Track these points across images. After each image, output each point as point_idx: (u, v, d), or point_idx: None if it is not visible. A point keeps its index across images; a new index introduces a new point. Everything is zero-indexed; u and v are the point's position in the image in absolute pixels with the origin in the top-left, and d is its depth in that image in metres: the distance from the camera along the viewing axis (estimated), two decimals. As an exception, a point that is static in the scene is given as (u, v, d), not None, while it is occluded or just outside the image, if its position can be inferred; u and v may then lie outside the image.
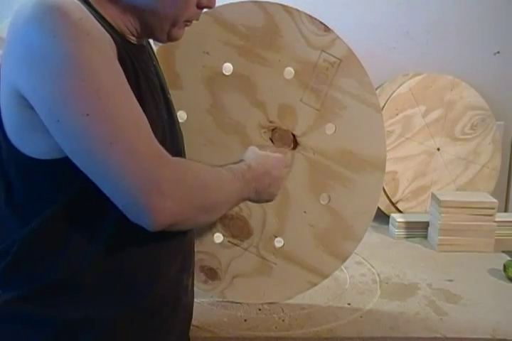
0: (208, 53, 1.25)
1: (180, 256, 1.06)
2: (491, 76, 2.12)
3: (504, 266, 1.59)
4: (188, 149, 1.12)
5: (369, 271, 1.62)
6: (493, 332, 1.30)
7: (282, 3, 1.26)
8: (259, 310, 1.37)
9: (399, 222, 1.89)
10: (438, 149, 2.03)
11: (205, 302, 1.39)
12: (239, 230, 1.35)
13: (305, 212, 1.33)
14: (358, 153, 1.31)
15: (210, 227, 1.34)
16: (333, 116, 1.29)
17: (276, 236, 1.35)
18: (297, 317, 1.35)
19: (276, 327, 1.30)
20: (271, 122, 1.29)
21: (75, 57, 0.82)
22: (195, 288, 1.16)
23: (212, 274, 1.37)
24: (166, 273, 1.02)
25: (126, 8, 0.96)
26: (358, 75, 1.28)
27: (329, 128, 1.30)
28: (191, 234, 1.12)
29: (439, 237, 1.78)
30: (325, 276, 1.38)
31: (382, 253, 1.75)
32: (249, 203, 1.30)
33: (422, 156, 2.02)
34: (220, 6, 1.21)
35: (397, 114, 1.99)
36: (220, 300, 1.40)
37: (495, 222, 1.79)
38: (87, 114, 0.82)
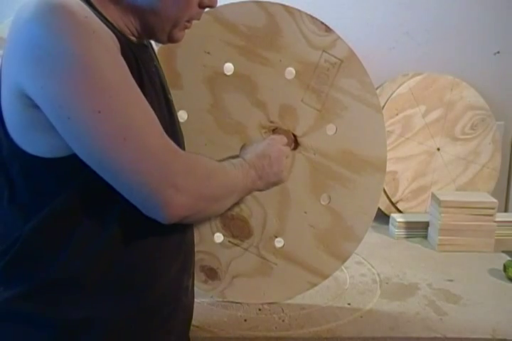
0: (209, 53, 1.25)
1: (181, 256, 1.06)
2: (491, 76, 2.12)
3: (504, 266, 1.59)
4: (188, 149, 1.12)
5: (369, 271, 1.62)
6: (493, 332, 1.30)
7: (283, 3, 1.26)
8: (259, 310, 1.37)
9: (399, 222, 1.89)
10: (438, 149, 2.03)
11: (205, 302, 1.39)
12: (239, 230, 1.35)
13: (305, 212, 1.33)
14: (359, 154, 1.31)
15: (211, 227, 1.34)
16: (334, 116, 1.29)
17: (276, 237, 1.35)
18: (297, 317, 1.35)
19: (276, 327, 1.30)
20: (272, 122, 1.29)
21: (83, 55, 0.82)
22: (195, 288, 1.16)
23: (212, 274, 1.37)
24: (166, 273, 1.02)
25: (128, 9, 0.96)
26: (359, 76, 1.27)
27: (330, 129, 1.30)
28: (191, 235, 1.13)
29: (439, 237, 1.78)
30: (325, 277, 1.38)
31: (382, 253, 1.75)
32: (250, 203, 1.32)
33: (422, 156, 2.02)
34: (221, 6, 1.21)
35: (397, 114, 1.99)
36: (220, 300, 1.40)
37: (495, 222, 1.79)
38: (99, 111, 0.82)
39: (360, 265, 1.66)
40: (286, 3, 1.25)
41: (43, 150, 0.88)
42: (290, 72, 1.27)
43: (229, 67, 1.26)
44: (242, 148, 1.23)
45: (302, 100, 1.28)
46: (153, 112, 0.90)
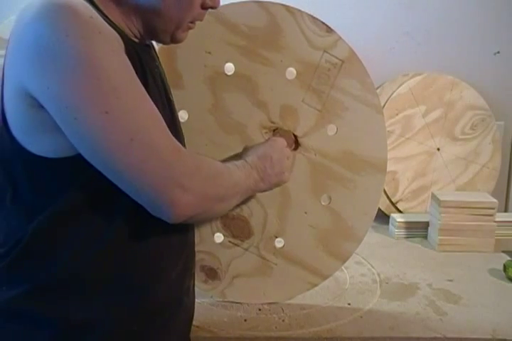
0: (209, 53, 1.25)
1: (183, 257, 1.06)
2: (491, 76, 2.12)
3: (504, 266, 1.59)
4: (189, 149, 1.12)
5: (369, 271, 1.62)
6: (493, 332, 1.30)
7: (283, 3, 1.26)
8: (259, 310, 1.37)
9: (399, 222, 1.89)
10: (438, 149, 2.03)
11: (205, 302, 1.39)
12: (239, 230, 1.35)
13: (306, 212, 1.33)
14: (359, 154, 1.31)
15: (211, 227, 1.34)
16: (335, 117, 1.29)
17: (276, 237, 1.35)
18: (297, 317, 1.35)
19: (276, 327, 1.30)
20: (272, 122, 1.29)
21: (90, 55, 0.82)
22: (195, 288, 1.16)
23: (212, 274, 1.37)
24: (169, 274, 1.02)
25: (130, 10, 0.96)
26: (359, 76, 1.27)
27: (331, 129, 1.30)
28: (193, 235, 1.13)
29: (439, 237, 1.78)
30: (325, 277, 1.38)
31: (382, 253, 1.75)
32: (250, 203, 1.32)
33: (422, 156, 2.02)
34: (222, 6, 1.20)
35: (397, 114, 1.99)
36: (220, 300, 1.40)
37: (495, 222, 1.79)
38: (106, 112, 0.82)
39: (360, 265, 1.66)
40: (287, 3, 1.25)
41: (47, 151, 0.88)
42: (291, 72, 1.27)
43: (230, 67, 1.26)
44: (244, 150, 1.23)
45: (303, 100, 1.28)
46: (158, 112, 0.90)
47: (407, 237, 1.89)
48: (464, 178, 2.05)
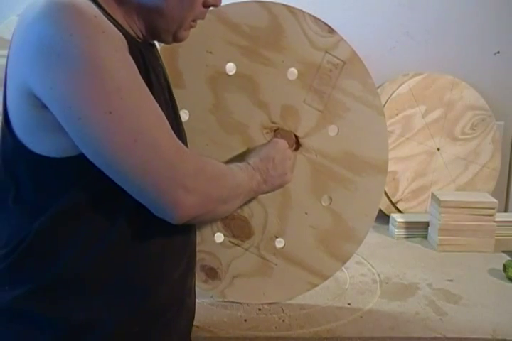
0: (211, 53, 1.25)
1: (186, 257, 1.06)
2: (491, 76, 2.13)
3: (504, 266, 1.59)
4: (191, 149, 1.12)
5: (369, 271, 1.62)
6: (493, 332, 1.30)
7: (284, 3, 1.25)
8: (259, 310, 1.37)
9: (399, 222, 1.89)
10: (438, 149, 2.03)
11: (205, 302, 1.39)
12: (240, 230, 1.35)
13: (306, 213, 1.33)
14: (360, 155, 1.31)
15: (211, 227, 1.34)
16: (336, 117, 1.29)
17: (277, 237, 1.35)
18: (297, 317, 1.35)
19: (276, 327, 1.30)
20: (273, 123, 1.28)
21: (93, 55, 0.82)
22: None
23: (212, 274, 1.37)
24: (172, 274, 1.02)
25: (132, 10, 0.95)
26: (361, 77, 1.27)
27: (332, 130, 1.30)
28: (195, 235, 1.13)
29: (439, 237, 1.78)
30: (325, 277, 1.38)
31: (382, 253, 1.75)
32: (251, 204, 1.32)
33: (422, 156, 2.02)
34: (224, 6, 1.21)
35: (397, 114, 1.99)
36: (220, 300, 1.40)
37: (495, 222, 1.79)
38: (110, 112, 0.82)
39: (360, 265, 1.66)
40: (287, 3, 1.25)
41: (50, 150, 0.88)
42: (292, 72, 1.27)
43: (231, 67, 1.26)
44: (246, 152, 1.23)
45: (304, 101, 1.28)
46: (162, 112, 0.90)
47: (407, 237, 1.89)
48: (464, 178, 2.06)
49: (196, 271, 1.23)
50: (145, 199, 0.89)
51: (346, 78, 1.27)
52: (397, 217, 1.91)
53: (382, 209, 1.98)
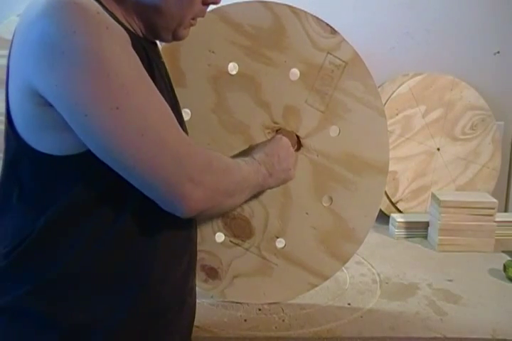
0: (213, 52, 1.24)
1: (187, 256, 1.06)
2: (491, 76, 2.13)
3: (504, 266, 1.59)
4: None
5: (369, 271, 1.62)
6: (493, 332, 1.30)
7: (286, 3, 1.25)
8: (259, 310, 1.37)
9: (399, 222, 1.90)
10: (438, 149, 2.03)
11: (206, 302, 1.39)
12: (240, 230, 1.35)
13: (307, 213, 1.33)
14: (361, 156, 1.31)
15: (212, 227, 1.34)
16: (338, 118, 1.29)
17: (277, 237, 1.35)
18: (297, 317, 1.35)
19: (276, 327, 1.30)
20: (275, 123, 1.28)
21: (98, 51, 0.81)
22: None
23: (212, 273, 1.37)
24: (174, 273, 1.02)
25: (131, 8, 0.95)
26: (363, 78, 1.28)
27: (333, 131, 1.30)
28: (196, 235, 1.13)
29: (439, 237, 1.78)
30: (325, 278, 1.38)
31: (382, 253, 1.75)
32: (252, 203, 1.32)
33: (422, 156, 2.02)
34: (226, 6, 1.21)
35: (397, 114, 1.99)
36: (220, 300, 1.40)
37: (495, 222, 1.80)
38: (117, 108, 0.82)
39: (360, 265, 1.66)
40: (288, 3, 1.25)
41: (53, 148, 0.88)
42: (294, 73, 1.27)
43: (233, 67, 1.26)
44: (250, 148, 1.24)
45: (306, 101, 1.28)
46: (168, 107, 0.90)
47: (407, 237, 1.89)
48: (464, 178, 2.06)
49: (196, 271, 1.23)
50: (153, 193, 0.89)
51: (348, 79, 1.27)
52: (397, 217, 1.91)
53: (382, 209, 1.98)
